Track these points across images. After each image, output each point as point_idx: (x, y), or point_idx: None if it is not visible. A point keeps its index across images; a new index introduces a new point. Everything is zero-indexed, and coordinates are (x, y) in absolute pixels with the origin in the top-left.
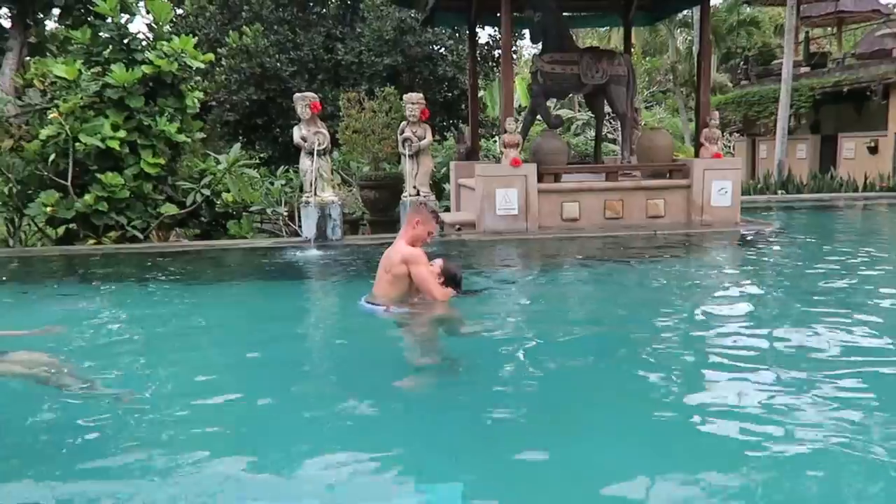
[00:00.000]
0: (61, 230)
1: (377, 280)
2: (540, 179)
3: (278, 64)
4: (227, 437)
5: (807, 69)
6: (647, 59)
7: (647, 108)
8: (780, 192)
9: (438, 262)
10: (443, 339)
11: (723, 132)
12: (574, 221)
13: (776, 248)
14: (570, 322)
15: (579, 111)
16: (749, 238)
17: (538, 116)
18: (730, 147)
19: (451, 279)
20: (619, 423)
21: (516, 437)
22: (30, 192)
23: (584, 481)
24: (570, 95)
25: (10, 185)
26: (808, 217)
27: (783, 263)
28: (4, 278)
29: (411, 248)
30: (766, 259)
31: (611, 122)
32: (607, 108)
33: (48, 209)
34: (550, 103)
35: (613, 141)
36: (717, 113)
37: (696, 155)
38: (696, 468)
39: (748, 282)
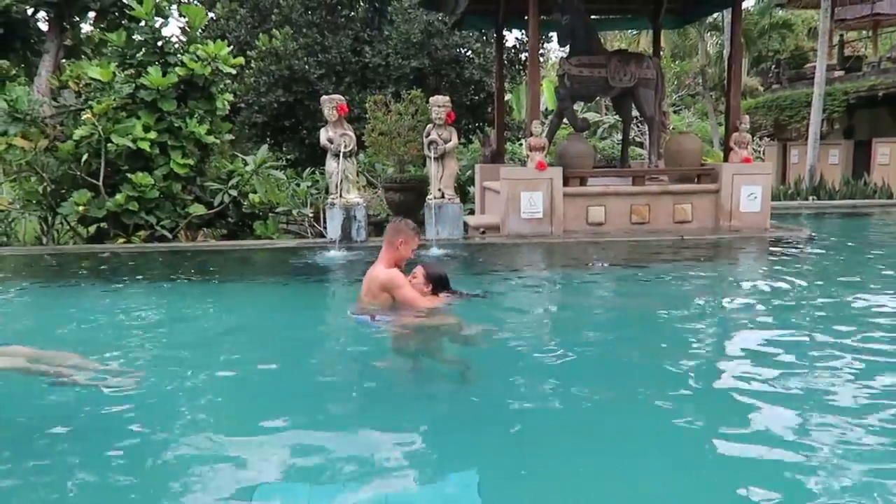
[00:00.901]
0: (92, 229)
1: (362, 294)
2: (565, 183)
3: (306, 66)
4: (242, 429)
5: (841, 73)
6: (677, 62)
7: (675, 112)
8: (811, 198)
9: (419, 269)
10: (444, 343)
11: (753, 137)
12: (599, 226)
13: (807, 255)
14: (589, 326)
15: (606, 114)
16: (779, 244)
17: (565, 119)
18: (760, 152)
19: (438, 282)
20: (640, 430)
21: (535, 441)
22: (63, 191)
23: (605, 485)
24: (598, 99)
25: (45, 184)
26: (840, 224)
27: (814, 271)
28: (35, 274)
29: (388, 274)
30: (796, 266)
31: (638, 126)
32: (635, 112)
33: (80, 208)
34: (577, 106)
35: (640, 145)
36: (747, 117)
37: (726, 159)
38: (719, 478)
39: (777, 289)
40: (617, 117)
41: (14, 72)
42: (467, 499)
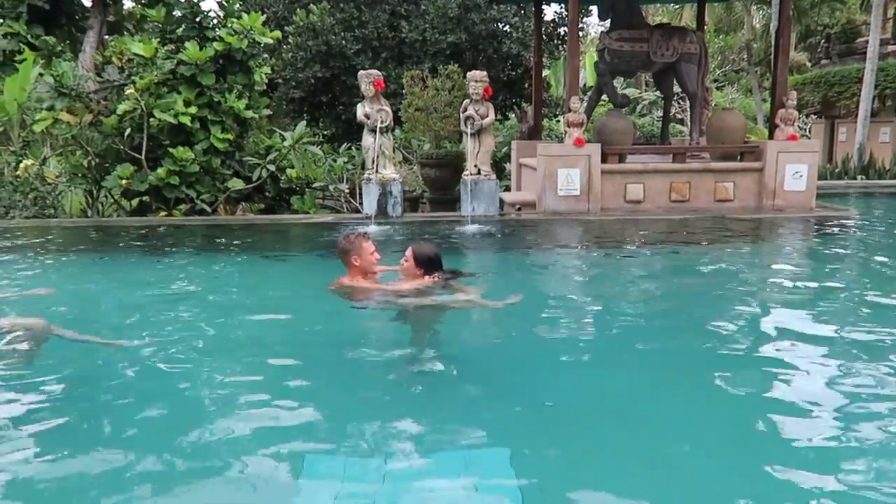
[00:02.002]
0: (135, 202)
1: None
2: (604, 160)
3: (343, 42)
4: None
5: (895, 47)
6: (721, 37)
7: (718, 88)
8: (859, 177)
9: (409, 251)
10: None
11: (799, 114)
12: (638, 203)
13: (854, 235)
14: (624, 306)
15: (646, 90)
16: (824, 225)
17: (604, 95)
18: (806, 129)
19: (427, 263)
20: (674, 411)
21: (565, 419)
22: (107, 165)
23: (635, 464)
24: (638, 74)
25: (90, 157)
26: (889, 204)
27: (859, 253)
28: (82, 245)
29: (341, 287)
30: (841, 248)
31: (679, 103)
32: (676, 88)
33: (123, 182)
34: (617, 82)
35: (681, 121)
36: (794, 93)
37: (771, 137)
38: (754, 464)
39: (822, 271)
40: (657, 93)
41: (60, 48)
42: (500, 474)
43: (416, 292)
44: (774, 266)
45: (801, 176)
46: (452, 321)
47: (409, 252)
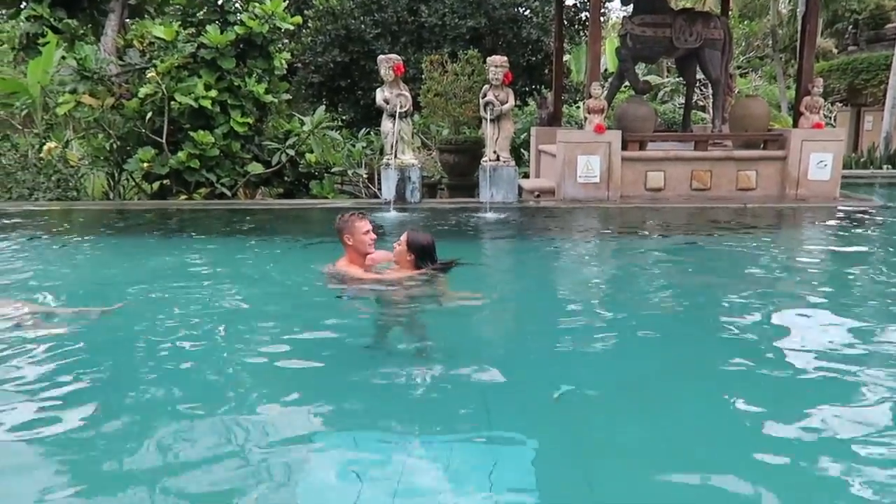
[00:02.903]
0: (156, 186)
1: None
2: (624, 147)
3: (362, 26)
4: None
5: None
6: (745, 22)
7: (741, 75)
8: (885, 166)
9: (403, 237)
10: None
11: (825, 101)
12: (658, 191)
13: (879, 226)
14: (641, 294)
15: (667, 77)
16: (848, 215)
17: (625, 82)
18: (831, 117)
19: (420, 251)
20: (690, 402)
21: (581, 408)
22: (128, 148)
23: (650, 452)
24: (660, 60)
25: (111, 141)
26: None
27: (884, 244)
28: (103, 229)
29: (330, 271)
30: (865, 239)
31: (701, 90)
32: (699, 75)
33: (145, 165)
34: (638, 68)
35: (703, 108)
36: (820, 80)
37: (795, 125)
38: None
39: (845, 261)
40: (679, 80)
41: (82, 31)
42: (516, 461)
43: (396, 283)
44: (796, 256)
45: (825, 165)
46: (464, 313)
47: (403, 237)
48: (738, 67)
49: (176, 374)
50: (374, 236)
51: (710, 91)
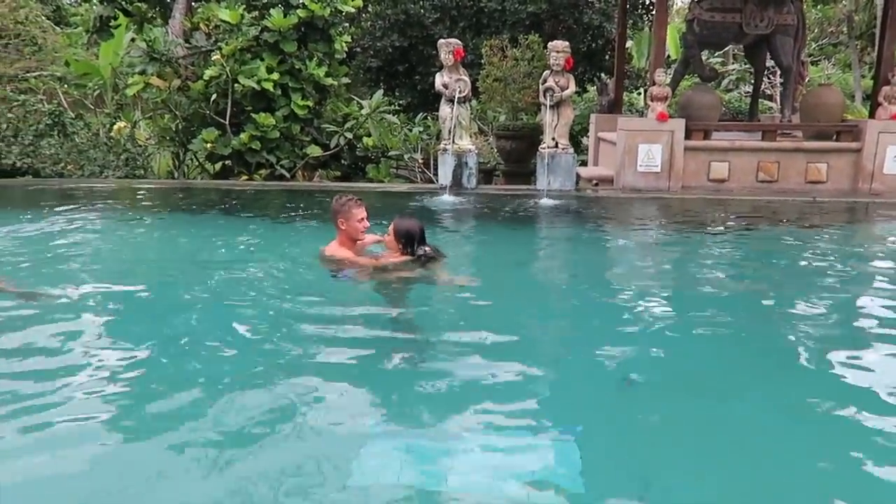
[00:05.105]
0: (218, 166)
1: None
2: (687, 136)
3: (421, 10)
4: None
5: None
6: (819, 7)
7: (813, 62)
8: None
9: (392, 225)
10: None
11: None
12: (721, 182)
13: None
14: (701, 287)
15: (733, 64)
16: None
17: (690, 69)
18: None
19: (407, 237)
20: (749, 395)
21: (637, 397)
22: (193, 128)
23: (706, 444)
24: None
25: (177, 121)
26: None
27: None
28: (169, 208)
29: (323, 253)
30: None
31: (769, 78)
32: (769, 62)
33: (208, 145)
34: (703, 55)
35: (770, 97)
36: None
37: (872, 115)
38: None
39: None
40: (745, 67)
41: (151, 14)
42: (569, 455)
43: (390, 266)
44: (868, 253)
45: None
46: (513, 304)
47: (391, 226)
48: (810, 55)
49: (215, 351)
50: (367, 224)
51: (779, 79)
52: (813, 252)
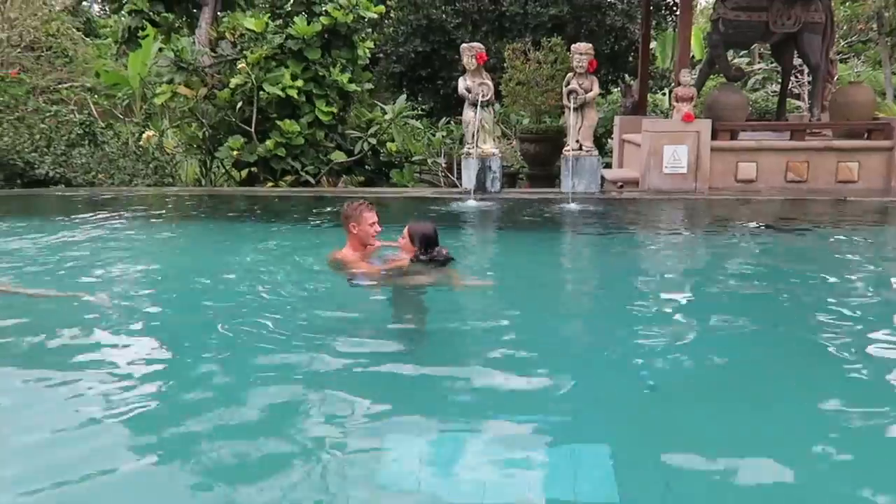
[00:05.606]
0: (244, 173)
1: None
2: (714, 136)
3: (444, 16)
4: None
5: None
6: (847, 4)
7: (842, 60)
8: None
9: (406, 229)
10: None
11: None
12: (749, 183)
13: None
14: (730, 290)
15: (759, 63)
16: None
17: (715, 68)
18: None
19: (423, 240)
20: (780, 402)
21: (666, 404)
22: (219, 136)
23: (738, 452)
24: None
25: (204, 129)
26: None
27: None
28: (195, 213)
29: (334, 258)
30: None
31: (796, 76)
32: (797, 60)
33: (234, 153)
34: (728, 54)
35: (797, 96)
36: None
37: None
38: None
39: None
40: (772, 66)
41: (178, 24)
42: (593, 458)
43: (398, 272)
44: None
45: None
46: (539, 307)
47: (405, 230)
48: (839, 52)
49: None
50: (378, 229)
51: (807, 78)
52: (845, 253)
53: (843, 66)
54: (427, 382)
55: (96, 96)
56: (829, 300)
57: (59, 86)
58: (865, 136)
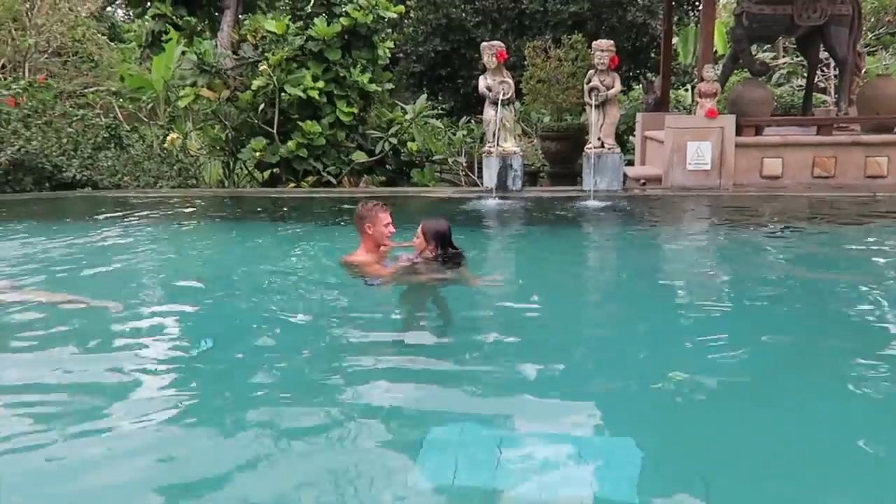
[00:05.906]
0: (267, 174)
1: None
2: (738, 132)
3: (463, 14)
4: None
5: None
6: None
7: (870, 53)
8: None
9: (420, 228)
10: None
11: None
12: (775, 179)
13: None
14: (758, 290)
15: (784, 57)
16: None
17: (739, 63)
18: None
19: (437, 238)
20: (810, 403)
21: (695, 406)
22: (242, 138)
23: (768, 452)
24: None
25: (227, 131)
26: None
27: None
28: (220, 215)
29: (348, 261)
30: None
31: (822, 70)
32: (823, 54)
33: (257, 154)
34: (752, 49)
35: (823, 90)
36: None
37: None
38: None
39: None
40: (798, 60)
41: (201, 27)
42: (626, 457)
43: (412, 271)
44: None
45: None
46: (566, 305)
47: (419, 228)
48: (867, 45)
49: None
50: (392, 229)
51: (834, 71)
52: (874, 250)
53: (871, 58)
54: (454, 378)
55: (121, 100)
56: (859, 301)
57: (86, 90)
58: (895, 130)
